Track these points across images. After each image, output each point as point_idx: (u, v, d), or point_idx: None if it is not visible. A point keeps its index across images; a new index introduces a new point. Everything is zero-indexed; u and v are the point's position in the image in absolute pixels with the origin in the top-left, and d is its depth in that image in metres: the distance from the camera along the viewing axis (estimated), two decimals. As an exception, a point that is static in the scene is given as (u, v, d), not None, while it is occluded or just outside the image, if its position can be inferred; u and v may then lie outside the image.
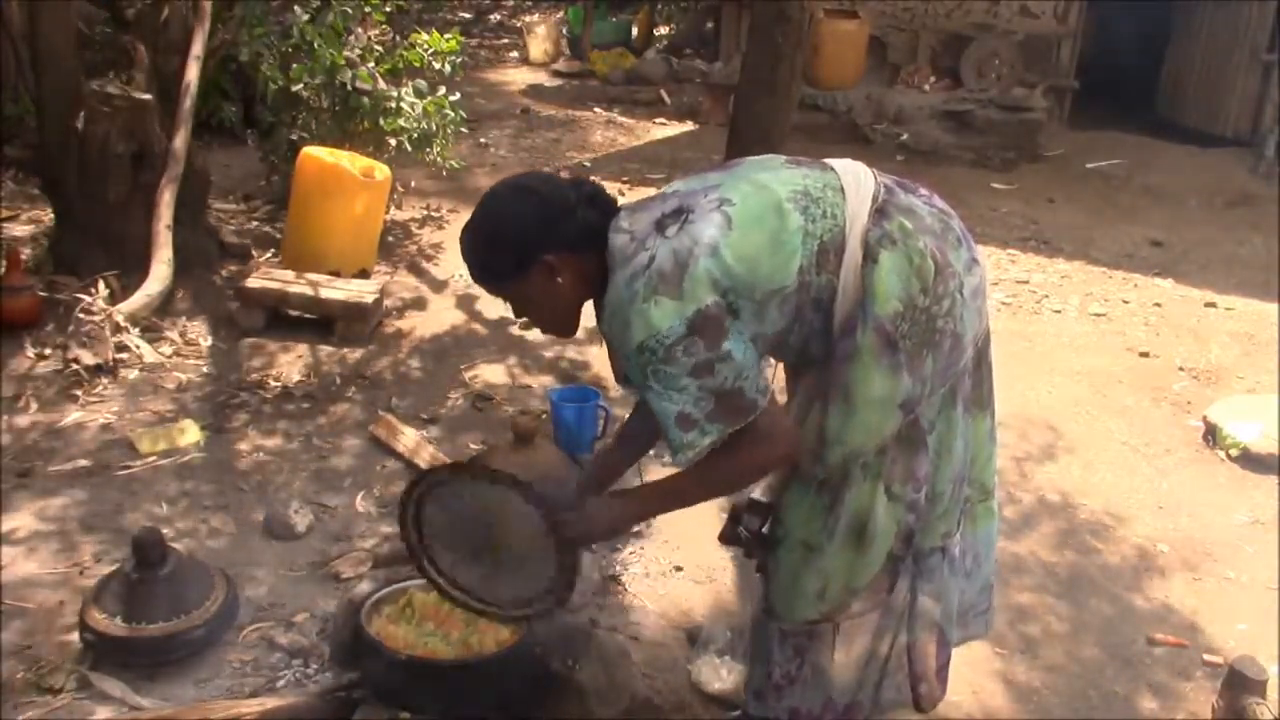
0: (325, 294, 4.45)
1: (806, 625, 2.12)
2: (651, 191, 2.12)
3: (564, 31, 11.02)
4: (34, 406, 3.72)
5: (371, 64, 5.48)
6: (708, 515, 3.20)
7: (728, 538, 2.23)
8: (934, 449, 2.04)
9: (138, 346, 4.07)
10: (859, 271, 1.90)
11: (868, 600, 2.10)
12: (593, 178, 2.32)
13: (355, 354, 4.30)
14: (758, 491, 2.14)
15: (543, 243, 1.91)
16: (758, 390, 1.86)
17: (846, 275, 1.90)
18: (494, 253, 1.94)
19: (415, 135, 5.50)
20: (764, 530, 2.15)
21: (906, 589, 2.14)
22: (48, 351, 4.03)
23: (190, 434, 3.61)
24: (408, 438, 3.63)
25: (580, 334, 4.67)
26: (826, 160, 2.05)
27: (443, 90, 5.63)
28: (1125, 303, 5.48)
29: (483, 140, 7.66)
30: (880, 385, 1.91)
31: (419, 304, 4.86)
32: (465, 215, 1.97)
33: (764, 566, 2.21)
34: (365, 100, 5.31)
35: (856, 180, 1.98)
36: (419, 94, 5.54)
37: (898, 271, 1.89)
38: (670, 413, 1.85)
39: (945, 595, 2.16)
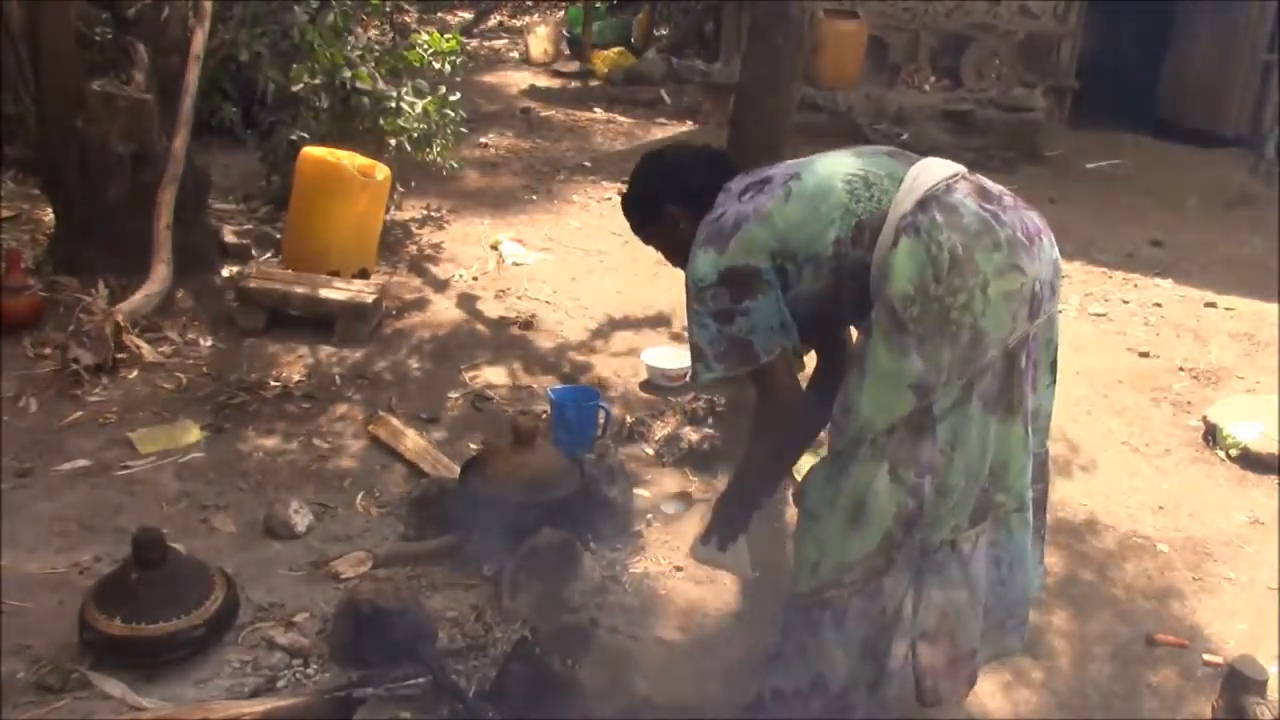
0: (325, 294, 4.45)
1: (801, 599, 2.20)
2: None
3: (564, 31, 11.02)
4: (34, 406, 3.72)
5: (371, 64, 5.47)
6: (708, 516, 3.19)
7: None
8: (945, 440, 2.09)
9: (138, 346, 4.06)
10: (887, 252, 2.05)
11: (859, 579, 2.14)
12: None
13: (355, 354, 4.30)
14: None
15: (667, 196, 2.35)
16: (764, 348, 2.14)
17: (879, 255, 2.08)
18: (632, 205, 2.42)
19: (415, 135, 5.50)
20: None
21: (908, 580, 2.15)
22: (48, 351, 4.03)
23: (190, 434, 3.61)
24: (408, 438, 3.63)
25: (580, 335, 4.67)
26: (922, 159, 2.21)
27: (443, 90, 5.63)
28: (1125, 303, 5.48)
29: (483, 140, 7.66)
30: (887, 360, 2.04)
31: (419, 304, 4.85)
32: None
33: None
34: (365, 100, 5.30)
35: (923, 174, 2.13)
36: (419, 94, 5.54)
37: (913, 256, 2.02)
38: (690, 343, 2.23)
39: (955, 591, 2.17)
